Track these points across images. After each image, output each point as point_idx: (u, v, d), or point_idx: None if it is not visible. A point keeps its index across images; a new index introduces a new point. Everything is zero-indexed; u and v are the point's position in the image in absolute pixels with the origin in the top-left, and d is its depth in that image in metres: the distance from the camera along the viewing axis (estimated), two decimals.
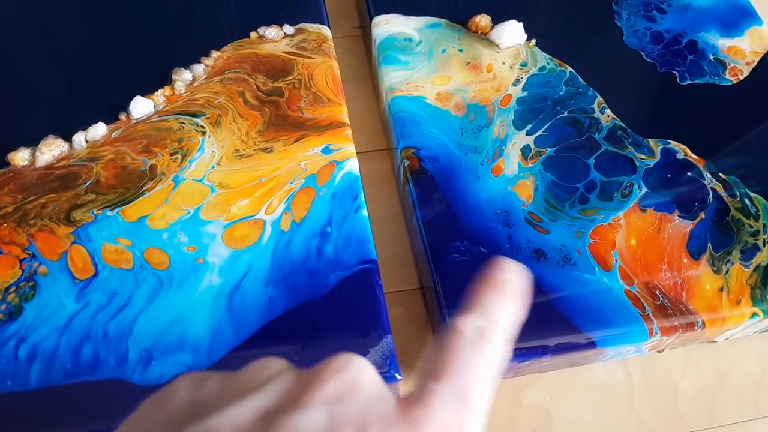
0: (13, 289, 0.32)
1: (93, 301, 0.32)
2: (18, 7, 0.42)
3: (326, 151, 0.37)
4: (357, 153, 0.42)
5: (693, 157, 0.38)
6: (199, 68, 0.39)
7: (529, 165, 0.37)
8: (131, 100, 0.37)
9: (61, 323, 0.31)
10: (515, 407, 0.36)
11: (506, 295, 0.20)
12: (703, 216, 0.36)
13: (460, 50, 0.42)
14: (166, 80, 0.39)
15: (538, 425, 0.36)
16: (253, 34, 0.41)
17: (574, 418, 0.36)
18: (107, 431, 0.29)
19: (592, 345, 0.32)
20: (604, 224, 0.36)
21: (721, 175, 0.38)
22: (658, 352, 0.37)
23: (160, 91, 0.38)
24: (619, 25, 0.44)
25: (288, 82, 0.39)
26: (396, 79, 0.41)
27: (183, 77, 0.38)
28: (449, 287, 0.33)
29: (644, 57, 0.43)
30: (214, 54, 0.40)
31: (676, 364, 0.38)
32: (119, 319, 0.31)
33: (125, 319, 0.31)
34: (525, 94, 0.40)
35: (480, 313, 0.19)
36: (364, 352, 0.31)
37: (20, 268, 0.32)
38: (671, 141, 0.39)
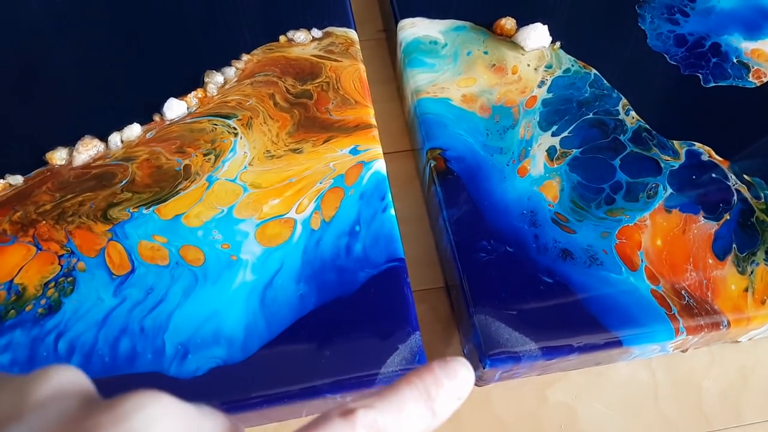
0: (53, 284, 0.32)
1: (130, 296, 0.32)
2: (57, 12, 0.43)
3: (354, 152, 0.37)
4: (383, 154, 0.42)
5: (717, 158, 0.38)
6: (231, 71, 0.40)
7: (555, 166, 0.37)
8: (165, 101, 0.38)
9: (99, 318, 0.32)
10: (541, 405, 0.36)
11: (429, 402, 0.16)
12: (728, 217, 0.36)
13: (485, 52, 0.42)
14: (198, 83, 0.39)
15: (563, 423, 0.36)
16: (282, 38, 0.42)
17: (599, 416, 0.36)
18: None
19: (618, 344, 0.32)
20: (630, 225, 0.35)
21: (745, 176, 0.37)
22: (682, 351, 0.37)
23: (193, 93, 0.38)
24: (643, 27, 0.44)
25: (316, 84, 0.40)
26: (422, 81, 0.41)
27: (215, 80, 0.39)
28: (476, 286, 0.33)
29: (668, 59, 0.42)
30: (245, 57, 0.41)
31: (700, 363, 0.38)
32: (156, 314, 0.32)
33: (161, 314, 0.32)
34: (550, 95, 0.40)
35: (388, 409, 0.16)
36: (393, 348, 0.31)
37: (59, 264, 0.33)
38: (696, 143, 0.39)
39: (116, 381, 0.30)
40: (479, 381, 0.35)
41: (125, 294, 0.32)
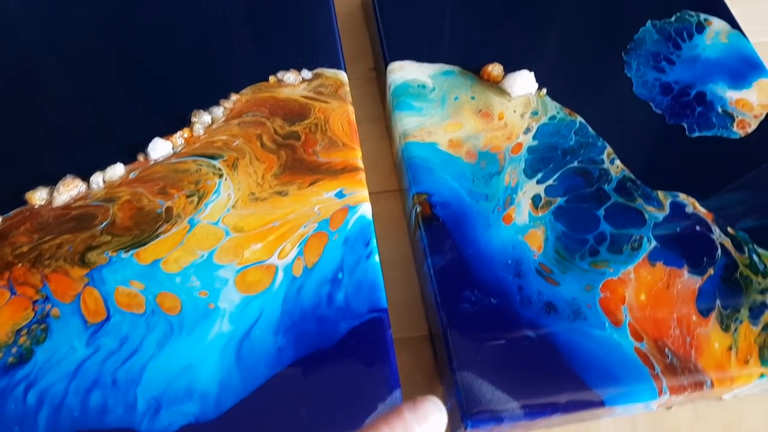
0: (25, 331, 0.30)
1: (104, 346, 0.29)
2: (41, 46, 0.40)
3: (340, 195, 0.35)
4: (370, 193, 0.40)
5: (701, 210, 0.36)
6: (218, 110, 0.37)
7: (540, 214, 0.35)
8: (150, 141, 0.35)
9: (72, 368, 0.29)
10: None
11: None
12: (712, 272, 0.34)
13: (473, 98, 0.40)
14: (185, 122, 0.37)
15: None
16: (272, 78, 0.39)
17: None
18: None
19: (601, 404, 0.30)
20: (614, 278, 0.33)
21: (729, 230, 0.35)
22: (666, 408, 0.35)
23: (179, 132, 0.36)
24: (629, 75, 0.42)
25: (305, 126, 0.37)
26: (409, 124, 0.38)
27: (202, 119, 0.36)
28: (459, 339, 0.31)
29: (653, 108, 0.40)
30: (234, 97, 0.38)
31: (684, 420, 0.35)
32: (129, 366, 0.29)
33: (135, 365, 0.29)
34: (535, 143, 0.38)
35: None
36: (371, 407, 0.28)
37: (33, 310, 0.30)
38: (680, 193, 0.37)
39: None
40: None
41: (99, 343, 0.30)
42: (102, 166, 0.35)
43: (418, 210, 0.35)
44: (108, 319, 0.30)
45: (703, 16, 0.45)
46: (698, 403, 0.36)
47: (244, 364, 0.29)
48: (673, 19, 0.45)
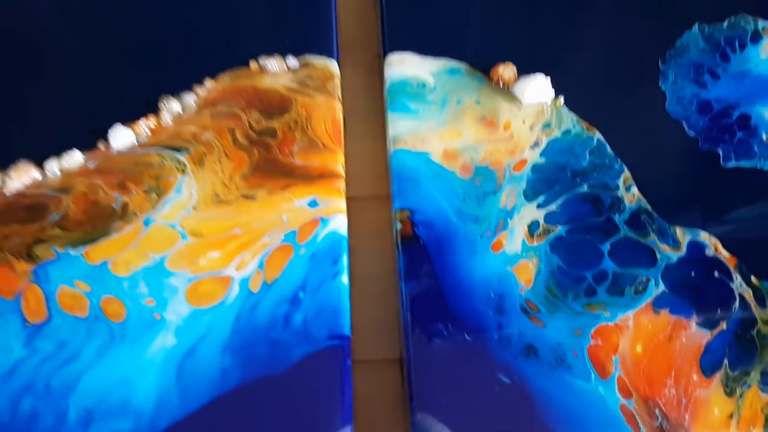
0: None
1: (41, 348, 0.32)
2: None
3: (313, 204, 0.36)
4: (354, 198, 0.41)
5: (724, 254, 0.37)
6: (190, 98, 0.39)
7: (535, 244, 0.36)
8: (112, 126, 0.38)
9: (5, 369, 0.32)
10: None
11: None
12: (725, 326, 0.34)
13: (478, 102, 0.41)
14: (152, 107, 0.39)
15: None
16: (253, 65, 0.41)
17: None
18: None
19: None
20: (609, 323, 0.34)
21: (753, 279, 0.36)
22: None
23: (143, 120, 0.38)
24: (663, 88, 0.42)
25: (283, 122, 0.39)
26: (402, 128, 0.40)
27: (170, 107, 0.39)
28: (422, 374, 0.33)
29: (686, 129, 0.41)
30: (208, 83, 0.40)
31: None
32: (64, 373, 0.32)
33: (71, 373, 0.32)
34: (542, 160, 0.39)
35: None
36: None
37: None
38: (702, 231, 0.37)
39: None
40: None
41: (36, 345, 0.32)
42: (58, 153, 0.37)
43: (399, 228, 0.37)
44: (48, 320, 0.33)
45: (762, 23, 0.45)
46: None
47: (184, 383, 0.31)
48: (725, 24, 0.45)
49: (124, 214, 0.36)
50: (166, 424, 0.30)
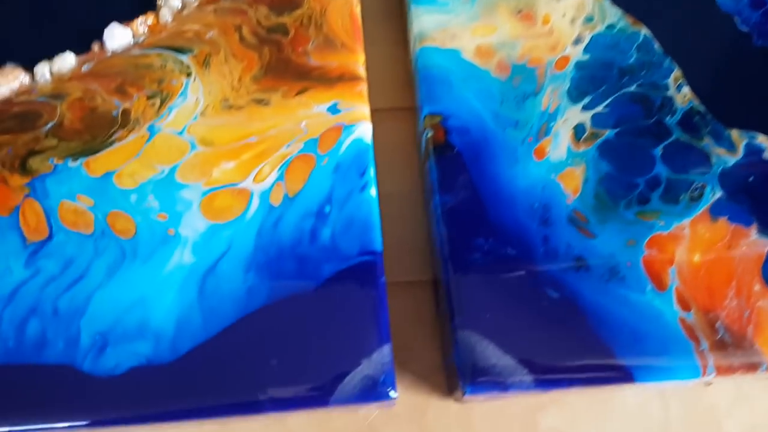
0: None
1: (44, 268, 0.29)
2: None
3: (333, 110, 0.33)
4: (375, 111, 0.38)
5: None
6: None
7: (581, 149, 0.33)
8: (107, 26, 0.33)
9: (6, 292, 0.29)
10: (529, 430, 0.33)
11: None
12: None
13: None
14: (150, 4, 0.35)
15: None
16: None
17: None
18: (48, 423, 0.27)
19: (629, 378, 0.29)
20: (664, 232, 0.31)
21: None
22: (705, 384, 0.34)
23: (141, 18, 0.34)
24: None
25: (295, 17, 0.35)
26: (428, 24, 0.36)
27: (170, 3, 0.34)
28: (464, 294, 0.30)
29: (738, 24, 0.37)
30: None
31: (723, 398, 0.35)
32: (73, 294, 0.29)
33: (79, 294, 0.29)
34: (586, 57, 0.35)
35: None
36: (354, 363, 0.28)
37: None
38: (759, 134, 0.34)
39: (19, 371, 0.27)
40: (458, 399, 0.32)
41: (39, 265, 0.29)
42: (49, 55, 0.33)
43: (429, 135, 0.33)
44: (50, 237, 0.30)
45: None
46: (742, 380, 0.35)
47: (207, 303, 0.28)
48: None
49: (125, 121, 0.32)
50: (190, 346, 0.28)
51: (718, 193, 0.32)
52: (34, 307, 0.28)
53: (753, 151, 0.34)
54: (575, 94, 0.34)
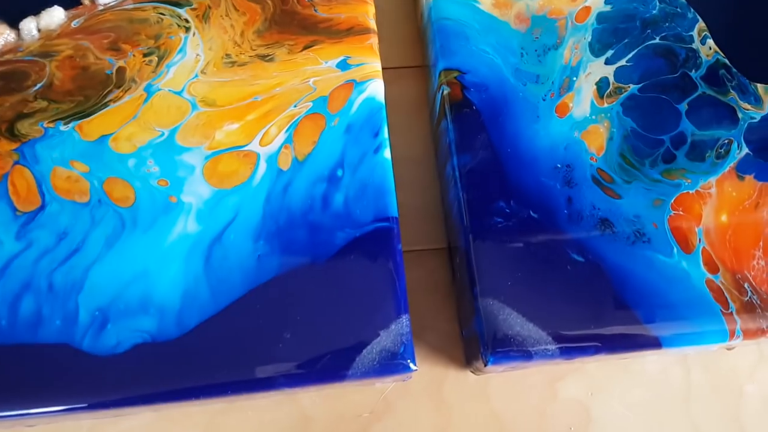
0: None
1: (37, 240, 0.27)
2: None
3: (343, 66, 0.30)
4: (385, 69, 0.36)
5: None
6: None
7: (606, 105, 0.31)
8: None
9: None
10: (549, 400, 0.32)
11: None
12: None
13: None
14: None
15: (573, 423, 0.32)
16: None
17: (616, 419, 0.32)
18: (46, 407, 0.25)
19: (656, 344, 0.28)
20: (690, 192, 0.30)
21: None
22: (727, 349, 0.33)
23: None
24: None
25: None
26: None
27: None
28: (486, 260, 0.28)
29: None
30: None
31: (745, 362, 0.34)
32: (69, 268, 0.26)
33: (76, 267, 0.27)
34: (608, 8, 0.33)
35: None
36: (372, 335, 0.26)
37: None
38: None
39: (14, 352, 0.25)
40: (476, 370, 0.31)
41: (31, 237, 0.27)
42: (36, 10, 0.30)
43: (446, 92, 0.31)
44: (42, 207, 0.27)
45: None
46: (765, 343, 0.34)
47: (214, 274, 0.27)
48: None
49: (120, 81, 0.29)
50: (197, 321, 0.26)
51: (745, 150, 0.31)
52: (28, 283, 0.26)
53: None
54: (597, 47, 0.32)
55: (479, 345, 0.27)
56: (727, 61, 0.32)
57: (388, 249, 0.27)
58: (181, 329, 0.26)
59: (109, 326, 0.26)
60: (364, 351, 0.26)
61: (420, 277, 0.33)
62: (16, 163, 0.28)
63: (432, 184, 0.35)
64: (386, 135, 0.29)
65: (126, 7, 0.31)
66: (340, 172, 0.28)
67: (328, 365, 0.26)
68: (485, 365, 0.27)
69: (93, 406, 0.25)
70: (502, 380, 0.32)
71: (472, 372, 0.32)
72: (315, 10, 0.31)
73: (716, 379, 0.33)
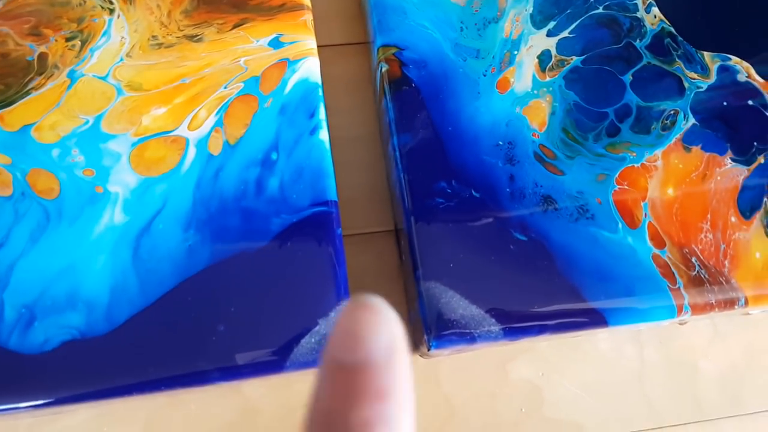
0: None
1: None
2: None
3: (276, 44, 0.29)
4: (326, 46, 0.34)
5: (758, 80, 0.31)
6: None
7: (548, 79, 0.30)
8: None
9: None
10: (500, 382, 0.32)
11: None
12: (762, 160, 0.30)
13: None
14: None
15: (525, 405, 0.31)
16: None
17: (569, 399, 0.32)
18: None
19: (602, 322, 0.27)
20: (635, 165, 0.29)
21: None
22: (679, 324, 0.33)
23: None
24: None
25: None
26: None
27: None
28: (427, 242, 0.27)
29: None
30: None
31: (699, 338, 0.33)
32: None
33: (1, 263, 0.25)
34: None
35: None
36: (311, 323, 0.25)
37: None
38: (732, 57, 0.31)
39: None
40: (424, 354, 0.30)
41: None
42: None
43: (384, 69, 0.30)
44: None
45: None
46: (718, 318, 0.33)
47: (143, 266, 0.25)
48: None
49: (42, 67, 0.28)
50: (127, 315, 0.25)
51: (691, 120, 0.30)
52: None
53: (726, 73, 0.31)
54: (539, 19, 0.31)
55: (423, 329, 0.27)
56: (672, 30, 0.32)
57: (328, 234, 0.27)
58: (111, 324, 0.25)
59: (36, 323, 0.25)
60: (303, 341, 0.25)
61: (368, 261, 0.32)
62: None
63: (379, 165, 0.34)
64: (323, 116, 0.28)
65: None
66: (274, 156, 0.27)
67: (266, 356, 0.25)
68: (428, 350, 0.27)
69: (23, 407, 0.24)
70: (453, 363, 0.31)
71: (420, 356, 0.31)
72: None
73: (670, 356, 0.33)
